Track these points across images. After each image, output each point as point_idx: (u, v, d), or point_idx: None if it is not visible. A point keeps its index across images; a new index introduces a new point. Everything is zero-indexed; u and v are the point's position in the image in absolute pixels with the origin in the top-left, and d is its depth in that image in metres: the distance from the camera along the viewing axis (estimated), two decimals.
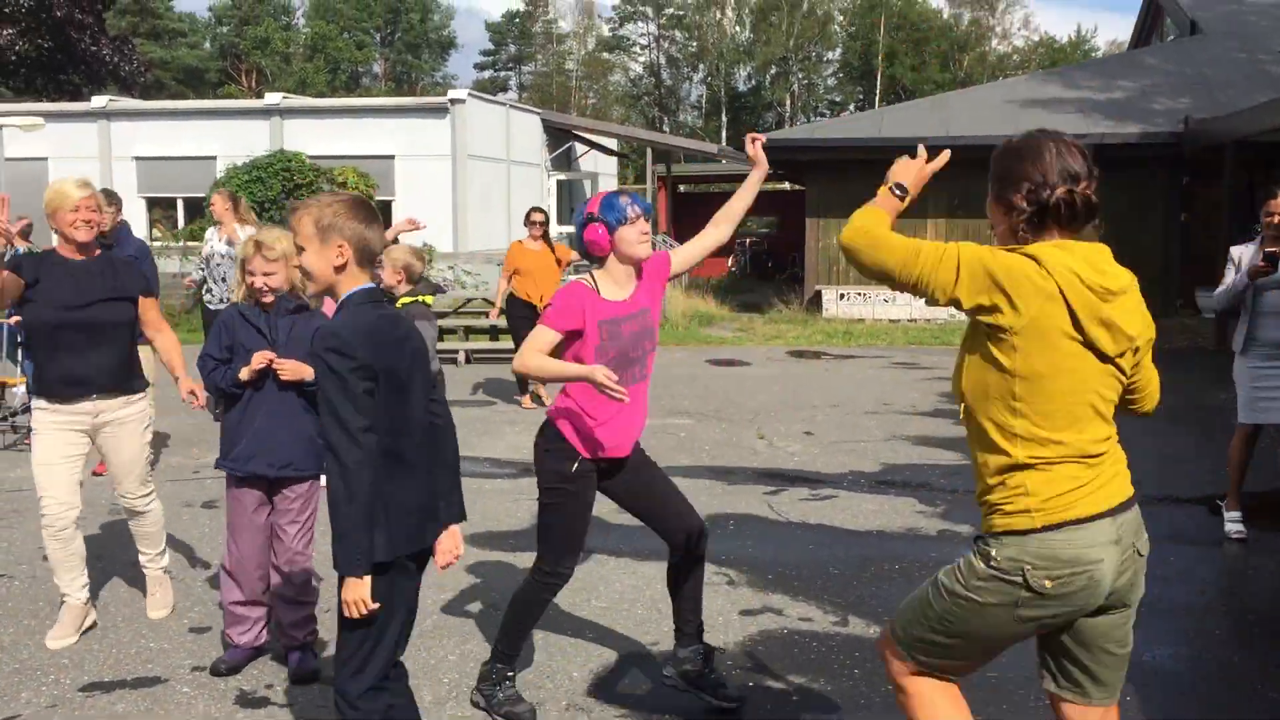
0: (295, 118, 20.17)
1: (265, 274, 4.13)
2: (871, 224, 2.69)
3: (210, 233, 9.27)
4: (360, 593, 2.79)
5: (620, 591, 5.19)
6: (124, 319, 4.59)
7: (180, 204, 20.48)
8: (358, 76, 64.29)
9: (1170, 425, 9.17)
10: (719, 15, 60.19)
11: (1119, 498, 2.61)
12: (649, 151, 25.20)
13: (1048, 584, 2.52)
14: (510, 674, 3.92)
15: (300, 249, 2.90)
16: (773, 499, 6.96)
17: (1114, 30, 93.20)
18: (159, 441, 8.21)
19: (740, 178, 30.88)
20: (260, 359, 4.09)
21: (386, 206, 19.38)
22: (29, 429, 8.21)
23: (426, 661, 4.33)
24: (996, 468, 2.61)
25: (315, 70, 57.47)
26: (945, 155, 2.93)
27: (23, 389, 8.95)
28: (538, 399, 10.31)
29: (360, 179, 17.79)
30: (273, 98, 20.69)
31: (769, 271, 26.26)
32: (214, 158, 19.72)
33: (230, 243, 8.72)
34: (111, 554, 5.67)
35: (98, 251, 4.64)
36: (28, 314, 4.48)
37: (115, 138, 20.60)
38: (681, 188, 31.15)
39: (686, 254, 4.08)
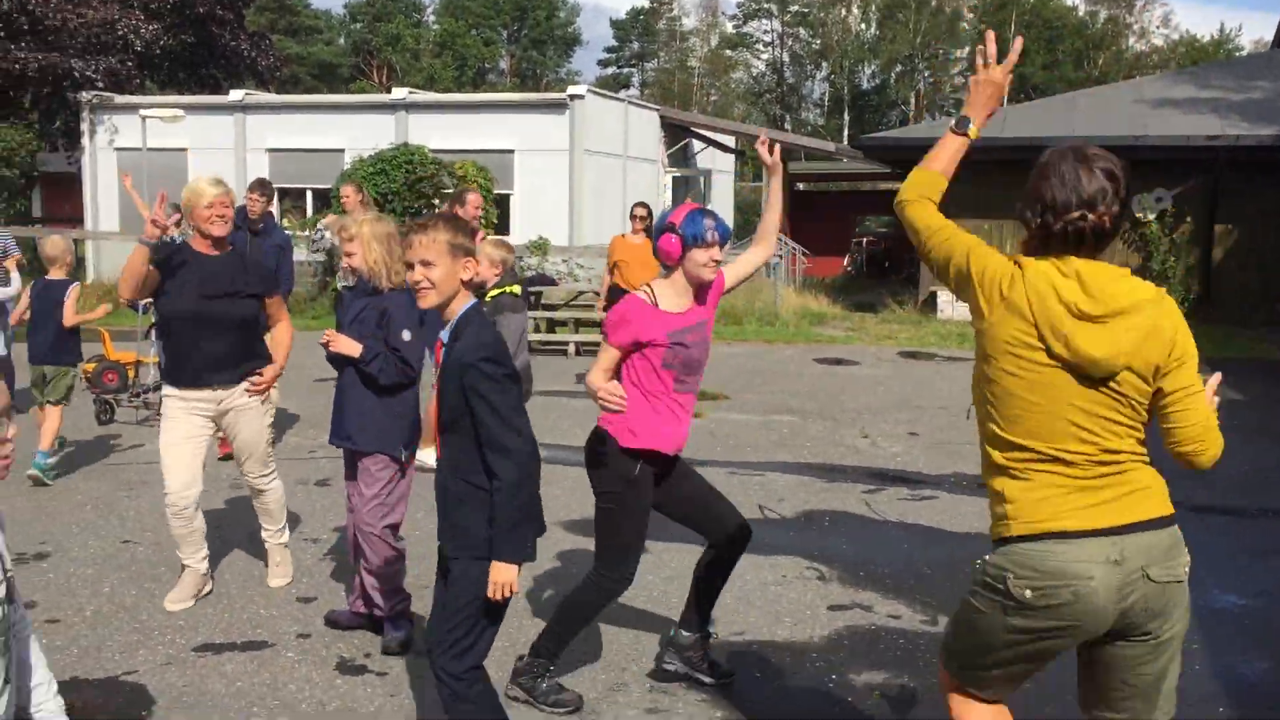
0: (419, 112, 20.65)
1: (346, 254, 4.35)
2: (921, 183, 2.86)
3: (330, 222, 9.58)
4: (512, 577, 3.00)
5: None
6: (249, 315, 4.84)
7: (309, 194, 21.16)
8: (484, 72, 65.37)
9: None
10: (844, 12, 59.52)
11: (1128, 517, 2.51)
12: None
13: (1028, 594, 2.51)
14: (550, 668, 3.96)
15: (428, 263, 3.05)
16: (871, 497, 6.94)
17: (1259, 28, 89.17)
18: (283, 422, 8.56)
19: (860, 176, 30.60)
20: (323, 336, 4.35)
21: (505, 200, 19.73)
22: (159, 405, 8.68)
23: (497, 644, 4.45)
24: (985, 471, 2.68)
25: (443, 66, 58.62)
26: (1017, 46, 2.93)
27: (155, 367, 9.43)
28: None
29: (479, 172, 18.14)
30: (399, 93, 21.21)
31: (884, 271, 25.94)
32: (342, 150, 20.31)
33: None
34: (230, 526, 5.95)
35: (230, 247, 4.90)
36: (162, 305, 4.75)
37: (250, 130, 21.37)
38: (800, 185, 30.95)
39: (736, 272, 4.13)
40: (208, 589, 4.95)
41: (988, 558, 2.62)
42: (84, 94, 22.01)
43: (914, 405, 10.22)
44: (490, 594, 2.99)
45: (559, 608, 3.99)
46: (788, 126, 62.89)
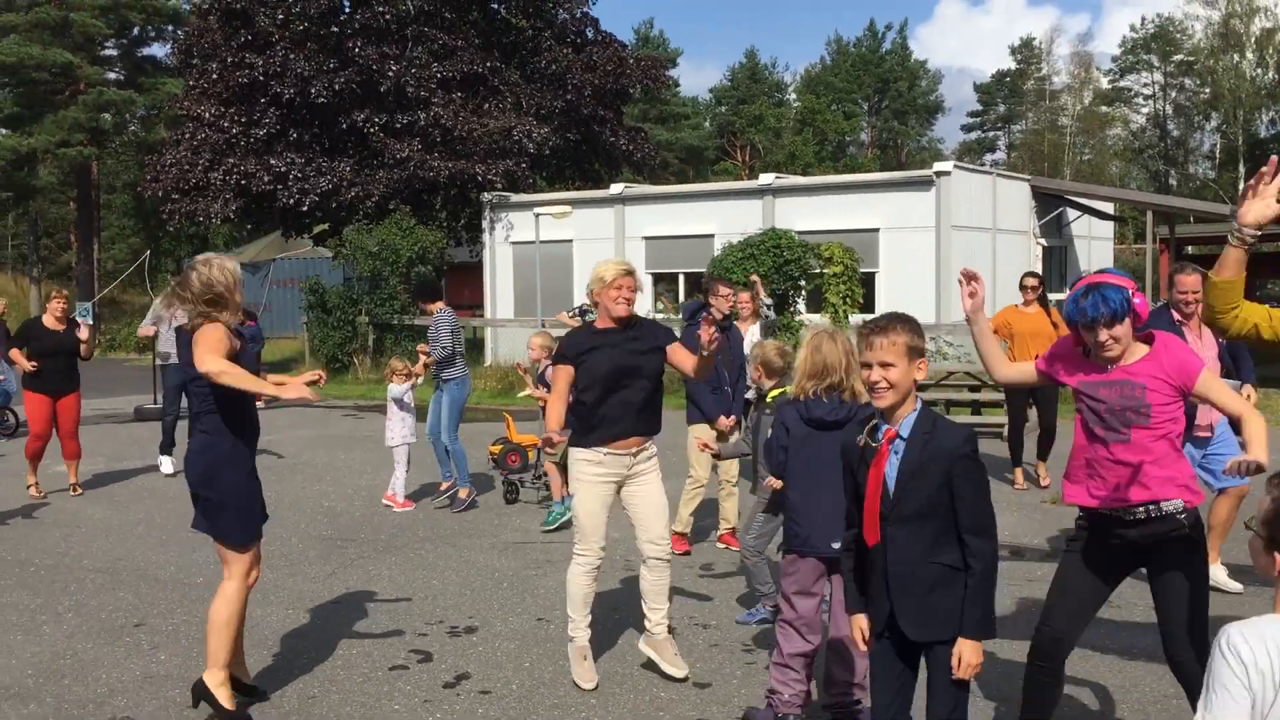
0: (786, 196, 21.28)
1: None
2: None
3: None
4: (981, 656, 3.30)
5: (1106, 691, 5.10)
6: (658, 367, 5.38)
7: (681, 279, 22.28)
8: (844, 146, 66.08)
9: None
10: (1237, 59, 55.15)
11: None
12: (1150, 212, 23.74)
13: None
14: None
15: (886, 364, 3.34)
16: None
17: None
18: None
19: (1262, 237, 28.11)
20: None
21: (870, 279, 19.87)
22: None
23: None
24: None
25: (803, 142, 59.87)
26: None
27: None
28: (1031, 478, 10.20)
29: (845, 254, 18.42)
30: (765, 178, 21.97)
31: None
32: (711, 236, 21.29)
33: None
34: (627, 608, 6.43)
35: (630, 326, 5.42)
36: (582, 374, 5.30)
37: (628, 220, 22.87)
38: (1189, 249, 28.88)
39: (1210, 395, 3.85)
40: (588, 656, 5.39)
41: None
42: (485, 195, 24.48)
43: None
44: (962, 673, 3.27)
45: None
46: (1172, 182, 58.89)
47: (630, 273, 5.35)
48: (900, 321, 3.37)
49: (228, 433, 4.86)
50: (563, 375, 5.35)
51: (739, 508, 7.91)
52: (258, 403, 5.16)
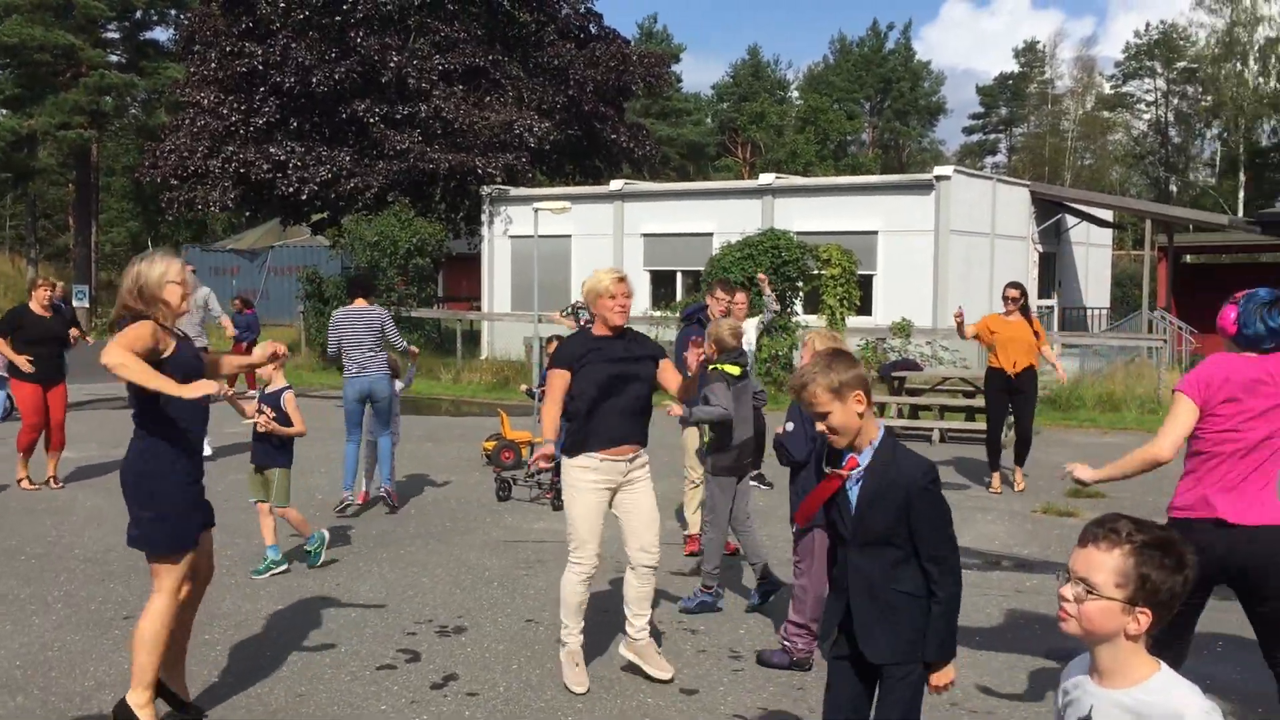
0: (785, 196, 21.28)
1: None
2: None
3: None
4: (954, 674, 3.42)
5: None
6: (648, 374, 5.44)
7: (679, 277, 22.28)
8: (845, 145, 65.95)
9: None
10: (1239, 66, 55.13)
11: None
12: (1149, 220, 23.75)
13: None
14: None
15: (825, 413, 3.36)
16: None
17: None
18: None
19: (1259, 247, 28.17)
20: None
21: (868, 281, 19.88)
22: (550, 486, 9.48)
23: None
24: None
25: (805, 141, 59.73)
26: None
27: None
28: (1008, 483, 10.26)
29: (843, 256, 18.42)
30: (765, 178, 21.97)
31: None
32: (710, 234, 21.29)
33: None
34: (616, 610, 6.43)
35: (624, 334, 5.46)
36: (578, 380, 5.31)
37: (627, 217, 22.86)
38: (1187, 258, 28.93)
39: None
40: (580, 662, 5.40)
41: None
42: (484, 188, 24.45)
43: None
44: (940, 692, 3.38)
45: None
46: (1173, 189, 58.94)
47: (624, 279, 5.42)
48: (814, 376, 3.34)
49: (162, 437, 4.52)
50: (559, 380, 5.36)
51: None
52: (219, 392, 4.80)
